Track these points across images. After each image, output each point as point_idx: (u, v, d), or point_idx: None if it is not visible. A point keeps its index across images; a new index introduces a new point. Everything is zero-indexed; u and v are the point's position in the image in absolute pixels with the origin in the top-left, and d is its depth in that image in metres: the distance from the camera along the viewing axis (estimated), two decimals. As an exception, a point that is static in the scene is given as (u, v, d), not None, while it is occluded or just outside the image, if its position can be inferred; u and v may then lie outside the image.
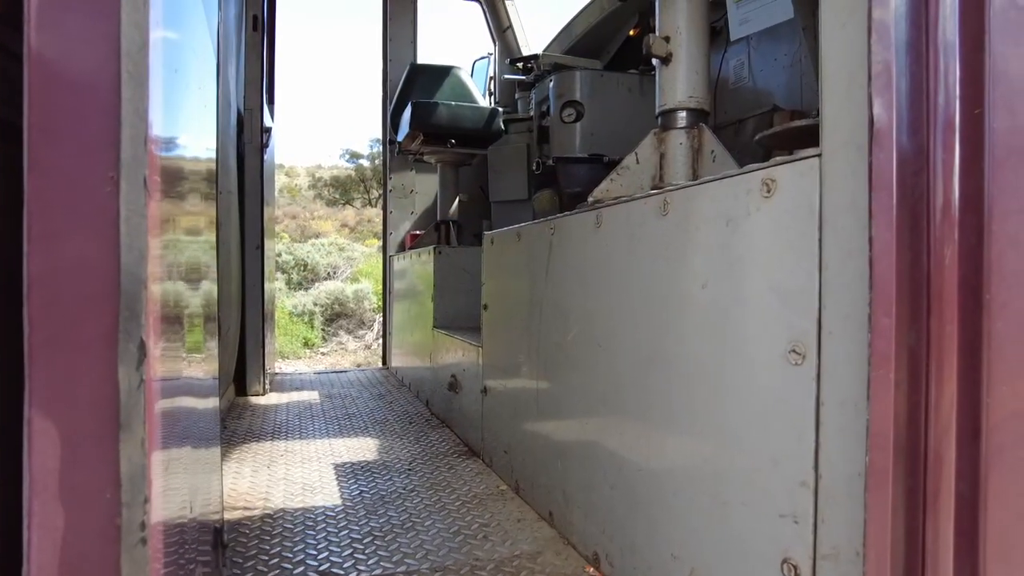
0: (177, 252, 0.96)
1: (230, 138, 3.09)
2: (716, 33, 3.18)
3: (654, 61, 1.61)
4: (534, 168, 3.16)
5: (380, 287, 5.35)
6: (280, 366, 6.80)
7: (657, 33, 1.61)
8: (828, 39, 0.94)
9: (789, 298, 0.94)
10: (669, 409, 1.19)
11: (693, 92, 1.57)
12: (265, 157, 3.70)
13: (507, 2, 4.71)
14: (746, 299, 1.01)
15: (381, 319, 5.33)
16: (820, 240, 0.90)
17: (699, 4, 1.61)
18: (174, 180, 0.93)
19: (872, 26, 0.88)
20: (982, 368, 0.89)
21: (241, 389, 3.64)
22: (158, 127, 0.76)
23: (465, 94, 4.34)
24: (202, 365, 1.28)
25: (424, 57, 4.83)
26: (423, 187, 4.67)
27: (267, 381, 3.76)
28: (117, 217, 0.63)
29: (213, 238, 1.60)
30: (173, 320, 0.90)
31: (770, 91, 3.02)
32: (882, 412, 0.83)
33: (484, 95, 4.66)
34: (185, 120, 1.08)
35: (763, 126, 2.95)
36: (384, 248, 4.71)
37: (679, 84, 1.56)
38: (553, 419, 1.62)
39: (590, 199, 1.55)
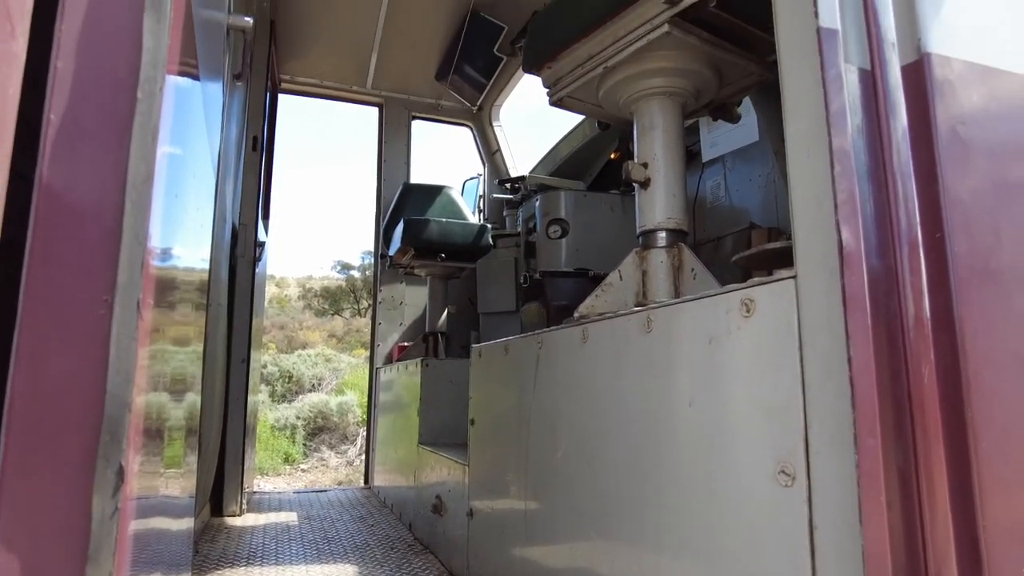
0: (164, 364, 0.96)
1: (223, 252, 3.15)
2: (692, 156, 3.38)
3: (634, 184, 1.70)
4: (522, 281, 3.23)
5: (365, 399, 5.27)
6: (259, 483, 6.53)
7: (636, 160, 1.71)
8: (795, 167, 1.00)
9: (775, 417, 0.94)
10: (660, 532, 1.15)
11: (672, 213, 1.64)
12: (257, 270, 3.76)
13: (495, 127, 5.01)
14: (733, 418, 1.02)
15: (365, 433, 5.20)
16: (801, 359, 0.91)
17: (674, 132, 1.72)
18: (167, 297, 0.95)
19: (833, 156, 0.95)
20: (973, 487, 0.89)
21: (217, 508, 3.47)
22: (155, 250, 0.79)
23: (456, 211, 4.51)
24: (179, 482, 1.24)
25: (418, 174, 5.05)
26: (412, 299, 4.72)
27: (244, 500, 3.60)
28: (107, 339, 0.64)
29: (201, 349, 1.60)
30: (155, 436, 0.88)
31: (746, 209, 3.17)
32: (876, 535, 0.81)
33: (474, 212, 4.84)
34: (182, 240, 1.12)
35: (741, 243, 3.06)
36: (371, 360, 4.69)
37: (658, 206, 1.64)
38: (542, 544, 1.55)
39: (576, 314, 1.57)
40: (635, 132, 1.76)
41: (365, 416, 6.34)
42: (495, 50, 4.24)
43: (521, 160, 5.00)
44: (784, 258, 1.57)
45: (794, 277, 0.97)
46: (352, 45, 4.45)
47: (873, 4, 1.00)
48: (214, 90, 1.59)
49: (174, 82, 0.85)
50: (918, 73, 1.03)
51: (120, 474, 0.61)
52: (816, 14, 0.94)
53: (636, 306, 1.55)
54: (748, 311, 1.03)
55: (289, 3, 4.02)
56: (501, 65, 4.40)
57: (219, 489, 3.46)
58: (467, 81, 4.58)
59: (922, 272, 0.95)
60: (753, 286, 1.03)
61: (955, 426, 0.85)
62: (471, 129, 5.10)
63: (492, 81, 4.51)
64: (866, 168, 0.96)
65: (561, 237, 3.29)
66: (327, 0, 4.10)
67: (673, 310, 1.19)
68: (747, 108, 2.66)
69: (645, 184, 1.67)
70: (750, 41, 1.67)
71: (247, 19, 1.69)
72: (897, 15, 1.02)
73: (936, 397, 0.86)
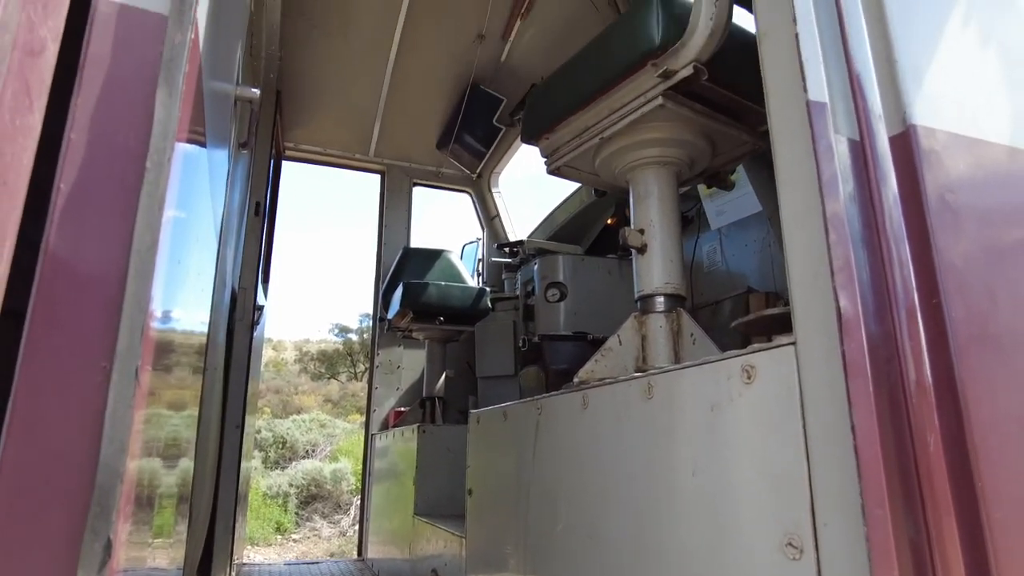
0: (159, 429, 0.94)
1: (222, 316, 3.15)
2: (688, 221, 3.44)
3: (631, 250, 1.72)
4: (520, 345, 3.22)
5: (360, 467, 5.15)
6: (249, 554, 6.29)
7: (632, 226, 1.74)
8: (790, 236, 1.02)
9: (780, 486, 0.92)
10: (666, 609, 1.10)
11: (669, 279, 1.66)
12: (255, 334, 3.74)
13: (494, 193, 5.11)
14: (737, 488, 0.99)
15: (359, 502, 5.06)
16: (804, 427, 0.90)
17: (669, 199, 1.75)
18: (165, 363, 0.94)
19: (828, 224, 0.97)
20: (989, 561, 0.86)
21: (203, 582, 3.33)
22: (156, 317, 0.79)
23: (455, 275, 4.54)
24: (168, 552, 1.19)
25: (418, 237, 5.12)
26: (410, 362, 4.69)
27: (234, 573, 3.46)
28: (103, 408, 0.63)
29: (196, 413, 1.57)
30: (145, 505, 0.85)
31: (743, 274, 3.19)
32: (892, 614, 0.78)
33: (473, 276, 4.88)
34: (182, 305, 1.12)
35: (739, 307, 3.07)
36: (367, 426, 4.61)
37: (655, 272, 1.66)
38: (542, 620, 1.49)
39: (576, 380, 1.56)
40: (631, 199, 1.80)
41: (359, 484, 6.19)
42: (494, 121, 4.37)
43: (520, 223, 5.08)
44: (783, 324, 1.57)
45: (794, 343, 0.97)
46: (356, 115, 4.59)
47: (859, 79, 1.04)
48: (220, 157, 1.63)
49: (182, 151, 0.87)
50: (905, 143, 1.06)
51: (108, 548, 0.59)
52: (805, 88, 0.97)
53: (636, 371, 1.54)
54: (749, 378, 1.03)
55: (295, 74, 4.17)
56: (500, 135, 4.53)
57: (208, 560, 3.34)
58: (467, 150, 4.70)
59: (921, 338, 0.95)
60: (753, 352, 1.03)
61: (966, 497, 0.84)
62: (471, 195, 5.21)
63: (491, 150, 4.63)
64: (860, 235, 0.97)
65: (559, 300, 3.30)
66: (332, 72, 4.26)
67: (674, 376, 1.18)
68: (743, 179, 2.72)
69: (642, 250, 1.69)
70: (742, 112, 1.73)
71: (254, 90, 1.75)
72: (882, 89, 1.06)
73: (944, 467, 0.84)
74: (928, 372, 0.94)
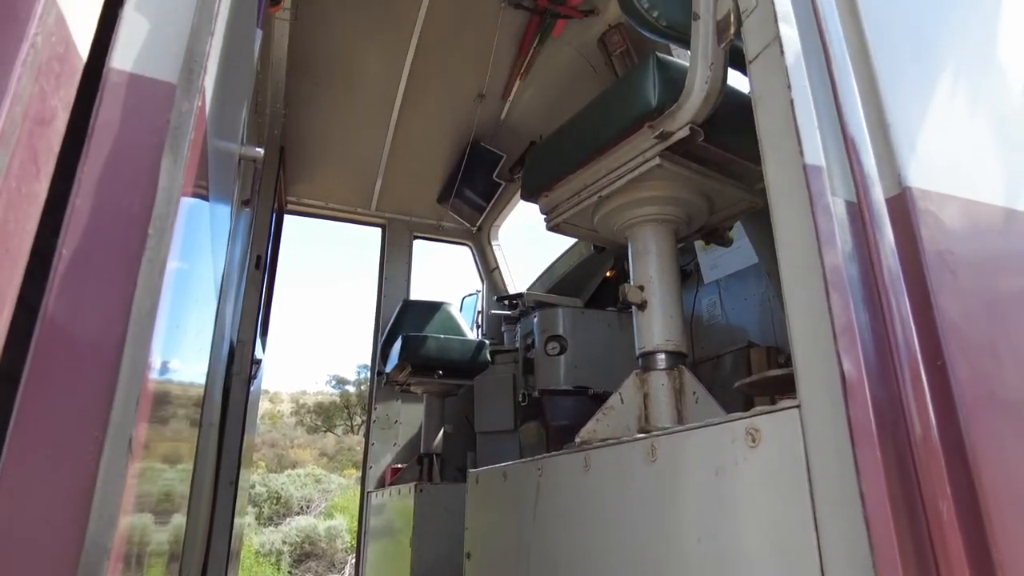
0: (152, 484, 0.92)
1: (219, 370, 3.13)
2: (687, 275, 3.46)
3: (631, 306, 1.72)
4: (520, 399, 3.18)
5: (355, 524, 5.01)
6: (237, 618, 6.06)
7: (632, 282, 1.74)
8: (791, 298, 1.02)
9: (788, 556, 0.89)
10: None
11: (670, 336, 1.65)
12: (252, 388, 3.71)
13: (494, 246, 5.15)
14: (744, 556, 0.96)
15: (354, 562, 4.90)
16: (811, 493, 0.88)
17: (668, 256, 1.76)
18: (161, 420, 0.93)
19: (828, 286, 0.96)
20: (1009, 636, 0.82)
21: (190, 649, 3.20)
22: (152, 382, 0.78)
23: (454, 327, 4.53)
24: (154, 619, 1.15)
25: (417, 287, 5.13)
26: (408, 417, 4.63)
27: (220, 639, 3.32)
28: (93, 483, 0.61)
29: (191, 468, 1.53)
30: (134, 565, 0.82)
31: (743, 327, 3.19)
32: None
33: (472, 328, 4.86)
34: (179, 367, 1.11)
35: (740, 362, 3.05)
36: (363, 482, 4.51)
37: (656, 328, 1.65)
38: None
39: (577, 439, 1.54)
40: (630, 256, 1.81)
41: (354, 543, 6.01)
42: (494, 176, 4.45)
43: (519, 274, 5.10)
44: (786, 384, 1.55)
45: (798, 406, 0.95)
46: (358, 170, 4.67)
47: (854, 142, 1.06)
48: (223, 214, 1.64)
49: (185, 214, 0.88)
50: (902, 205, 1.07)
51: (91, 631, 0.57)
52: (802, 153, 0.99)
53: (639, 431, 1.51)
54: (754, 441, 1.01)
55: (299, 130, 4.26)
56: (500, 189, 4.60)
57: (195, 625, 3.21)
58: (467, 204, 4.77)
59: (927, 401, 0.94)
60: (758, 415, 1.02)
61: (984, 571, 0.81)
62: (471, 248, 5.24)
63: (491, 204, 4.69)
64: (861, 296, 0.97)
65: (559, 354, 3.28)
66: (336, 128, 4.35)
67: (678, 438, 1.16)
68: (740, 231, 2.75)
69: (642, 306, 1.69)
70: (738, 171, 1.76)
71: (258, 150, 1.78)
72: (877, 152, 1.08)
73: (959, 537, 0.82)
74: (936, 436, 0.92)
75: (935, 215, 1.08)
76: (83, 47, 0.78)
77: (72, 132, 0.77)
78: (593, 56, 3.74)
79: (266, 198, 3.77)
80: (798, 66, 1.05)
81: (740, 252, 3.13)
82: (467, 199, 4.75)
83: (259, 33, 1.85)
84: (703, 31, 1.49)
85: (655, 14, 1.56)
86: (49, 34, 0.71)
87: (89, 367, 0.70)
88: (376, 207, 4.97)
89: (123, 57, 0.81)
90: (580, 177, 1.83)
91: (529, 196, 2.01)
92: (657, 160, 1.60)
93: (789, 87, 1.03)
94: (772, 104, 1.07)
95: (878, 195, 1.06)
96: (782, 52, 1.05)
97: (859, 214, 1.05)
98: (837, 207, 1.03)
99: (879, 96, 1.11)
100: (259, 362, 3.95)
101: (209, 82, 0.89)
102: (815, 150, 1.01)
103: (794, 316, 0.99)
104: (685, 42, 1.56)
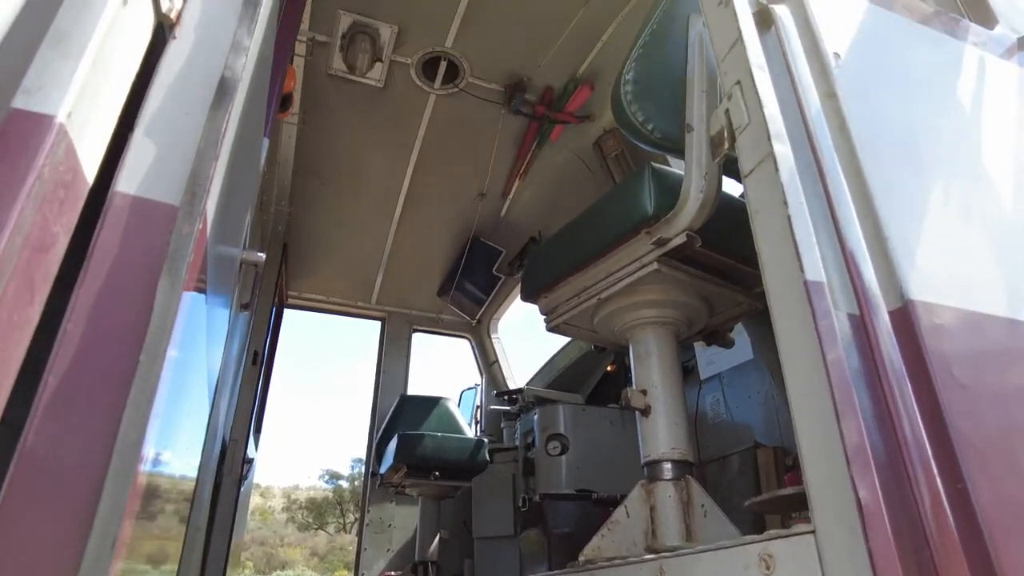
0: None
1: (210, 471, 3.02)
2: (688, 371, 3.41)
3: (634, 411, 1.68)
4: (520, 504, 3.06)
5: (346, 637, 4.69)
6: None
7: (634, 386, 1.71)
8: (800, 418, 0.98)
9: None
10: None
11: (675, 443, 1.60)
12: (242, 488, 3.57)
13: (493, 339, 5.13)
14: None
15: None
16: (836, 634, 0.82)
17: (670, 359, 1.74)
18: (146, 524, 0.87)
19: (837, 406, 0.93)
20: None
21: None
22: (133, 513, 0.74)
23: (452, 425, 4.43)
24: None
25: (415, 377, 5.06)
26: (402, 521, 4.44)
27: None
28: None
29: (175, 569, 1.44)
30: None
31: (749, 425, 3.11)
32: None
33: (471, 423, 4.76)
34: (168, 467, 1.06)
35: (747, 462, 2.96)
36: (355, 590, 4.27)
37: (661, 436, 1.61)
38: None
39: (581, 558, 1.45)
40: (631, 358, 1.79)
41: (343, 656, 5.61)
42: (494, 270, 4.49)
43: (518, 365, 5.05)
44: (798, 503, 1.49)
45: (813, 532, 0.90)
46: (359, 265, 4.72)
47: (853, 256, 1.06)
48: (220, 317, 1.63)
49: (180, 331, 0.86)
50: (905, 318, 1.06)
51: None
52: (802, 269, 0.99)
53: (646, 549, 1.44)
54: (768, 568, 0.95)
55: (302, 227, 4.34)
56: (499, 284, 4.63)
57: None
58: (467, 297, 4.79)
59: (951, 527, 0.89)
60: (772, 539, 0.96)
61: None
62: (470, 341, 5.22)
63: (491, 298, 4.72)
64: (872, 417, 0.94)
65: (561, 454, 3.18)
66: (339, 225, 4.44)
67: (689, 561, 1.09)
68: (739, 327, 2.74)
69: (646, 412, 1.65)
70: (736, 275, 1.77)
71: (260, 255, 1.79)
72: (876, 265, 1.08)
73: None
74: (965, 565, 0.87)
75: (940, 328, 1.07)
76: (90, 172, 0.79)
77: (72, 251, 0.77)
78: (589, 158, 3.87)
79: (267, 294, 3.79)
80: (793, 182, 1.07)
81: (738, 346, 3.10)
82: (467, 292, 4.78)
83: (266, 142, 1.92)
84: (696, 142, 1.54)
85: (649, 127, 1.62)
86: (57, 164, 0.72)
87: (66, 500, 0.67)
88: (376, 301, 4.99)
89: (128, 180, 0.82)
90: (579, 279, 1.83)
91: (529, 297, 2.01)
92: (655, 265, 1.61)
93: (785, 203, 1.04)
94: (769, 219, 1.08)
95: (881, 309, 1.05)
96: (776, 169, 1.07)
97: (863, 328, 1.03)
98: (840, 322, 1.02)
99: (874, 210, 1.13)
100: (251, 461, 3.83)
101: (211, 204, 0.90)
102: (815, 266, 1.01)
103: (804, 438, 0.96)
104: (679, 152, 1.61)
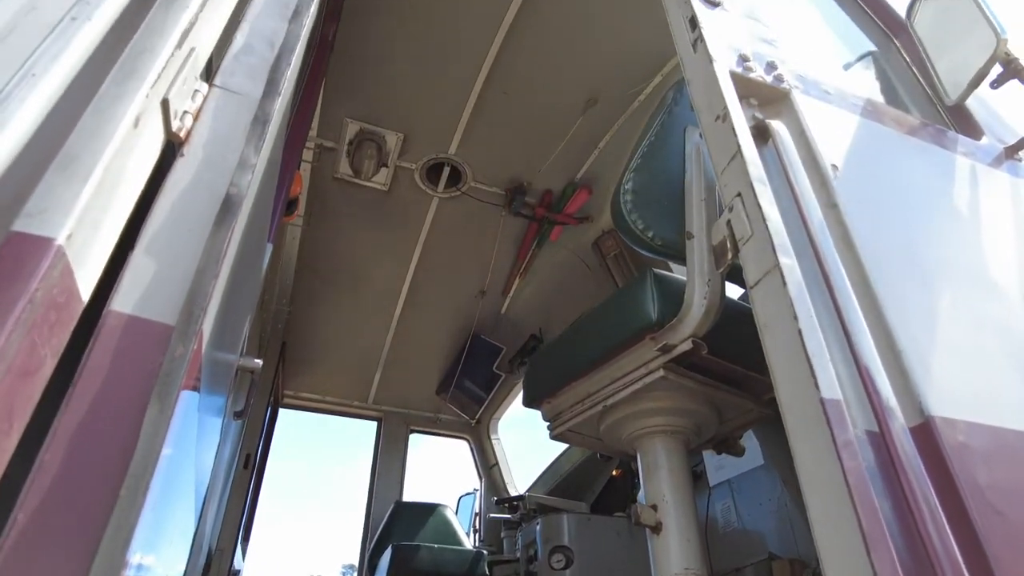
0: None
1: (191, 587, 2.83)
2: (697, 476, 3.28)
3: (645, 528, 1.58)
4: (522, 626, 2.85)
5: None
6: None
7: (644, 500, 1.62)
8: (823, 542, 0.91)
9: None
10: None
11: (689, 563, 1.50)
12: (225, 605, 3.35)
13: (493, 440, 4.98)
14: None
15: None
16: None
17: (680, 471, 1.67)
18: None
19: (864, 529, 0.87)
20: None
21: None
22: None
23: (449, 534, 4.22)
24: None
25: (413, 479, 4.86)
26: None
27: None
28: None
29: None
30: None
31: (761, 534, 2.96)
32: None
33: (469, 532, 4.53)
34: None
35: (763, 575, 2.79)
36: None
37: (673, 555, 1.51)
38: None
39: None
40: (640, 470, 1.71)
41: None
42: (494, 368, 4.44)
43: (518, 464, 4.87)
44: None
45: None
46: (358, 364, 4.66)
47: (868, 371, 1.03)
48: (212, 425, 1.57)
49: (167, 454, 0.82)
50: (927, 435, 1.01)
51: None
52: (817, 386, 0.95)
53: None
54: None
55: (302, 325, 4.32)
56: (499, 382, 4.56)
57: None
58: (467, 395, 4.70)
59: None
60: None
61: None
62: (469, 442, 5.07)
63: (491, 396, 4.63)
64: (904, 548, 0.87)
65: (565, 568, 3.00)
66: (339, 324, 4.42)
67: None
68: (748, 433, 2.66)
69: (656, 529, 1.56)
70: (745, 381, 1.72)
71: (256, 362, 1.76)
72: (893, 381, 1.05)
73: None
74: None
75: (966, 447, 1.01)
76: (86, 291, 0.77)
77: (61, 367, 0.74)
78: (589, 257, 3.91)
79: (262, 396, 3.71)
80: (801, 295, 1.05)
81: (747, 452, 3.00)
82: (466, 390, 4.69)
83: (269, 248, 1.93)
84: (697, 249, 1.54)
85: (650, 234, 1.63)
86: (51, 286, 0.70)
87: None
88: (373, 400, 4.89)
89: (124, 299, 0.80)
90: (583, 385, 1.79)
91: (531, 402, 1.96)
92: (662, 372, 1.57)
93: (795, 317, 1.02)
94: (779, 333, 1.05)
95: (901, 426, 1.01)
96: (784, 281, 1.06)
97: (884, 447, 0.98)
98: (860, 439, 0.97)
99: (885, 321, 1.10)
100: (237, 573, 3.62)
101: (208, 324, 0.88)
102: (831, 383, 0.97)
103: (828, 565, 0.88)
104: (680, 259, 1.61)
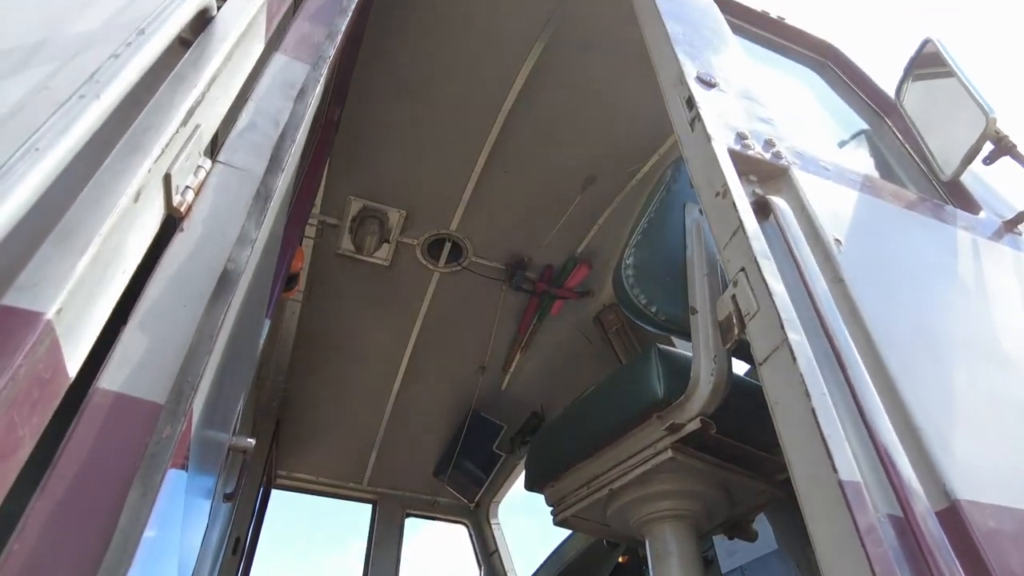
0: None
1: None
2: (708, 563, 3.13)
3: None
4: None
5: None
6: None
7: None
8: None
9: None
10: None
11: (705, 662, 1.39)
12: None
13: (494, 525, 4.78)
14: None
15: None
16: None
17: (692, 558, 1.59)
18: None
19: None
20: None
21: None
22: None
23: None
24: None
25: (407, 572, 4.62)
26: None
27: None
28: None
29: None
30: None
31: (778, 627, 2.78)
32: None
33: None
34: None
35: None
36: None
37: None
38: None
39: None
40: (649, 558, 1.63)
41: None
42: (494, 447, 4.31)
43: (519, 553, 4.64)
44: None
45: None
46: (353, 443, 4.54)
47: (888, 452, 0.98)
48: (200, 508, 1.50)
49: (149, 541, 0.76)
50: (956, 521, 0.96)
51: None
52: (835, 468, 0.91)
53: None
54: None
55: (297, 401, 4.23)
56: (500, 462, 4.42)
57: None
58: (466, 476, 4.55)
59: None
60: None
61: None
62: (467, 527, 4.87)
63: (491, 477, 4.48)
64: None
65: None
66: (334, 400, 4.33)
67: None
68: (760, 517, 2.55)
69: (669, 623, 1.46)
70: (756, 462, 1.66)
71: (249, 441, 1.70)
72: (914, 462, 1.00)
73: None
74: None
75: (996, 532, 0.96)
76: (73, 367, 0.74)
77: (41, 447, 0.70)
78: (590, 332, 3.88)
79: (254, 477, 3.59)
80: (812, 372, 1.02)
81: (759, 536, 2.87)
82: (466, 471, 4.54)
83: (267, 324, 1.90)
84: (702, 325, 1.52)
85: (653, 309, 1.61)
86: (36, 362, 0.67)
87: None
88: (368, 481, 4.72)
89: (113, 375, 0.77)
90: (588, 467, 1.72)
91: (534, 486, 1.88)
92: (669, 453, 1.52)
93: (808, 395, 0.98)
94: (792, 412, 1.01)
95: (926, 509, 0.95)
96: (794, 358, 1.03)
97: (911, 533, 0.92)
98: (884, 526, 0.91)
99: (901, 399, 1.07)
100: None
101: (199, 402, 0.84)
102: (849, 465, 0.93)
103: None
104: (684, 334, 1.59)
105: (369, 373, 4.17)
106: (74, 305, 0.71)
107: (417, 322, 3.91)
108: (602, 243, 3.58)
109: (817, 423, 0.95)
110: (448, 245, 3.58)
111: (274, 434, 3.97)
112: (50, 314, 0.67)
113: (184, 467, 0.90)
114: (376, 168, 3.23)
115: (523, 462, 1.98)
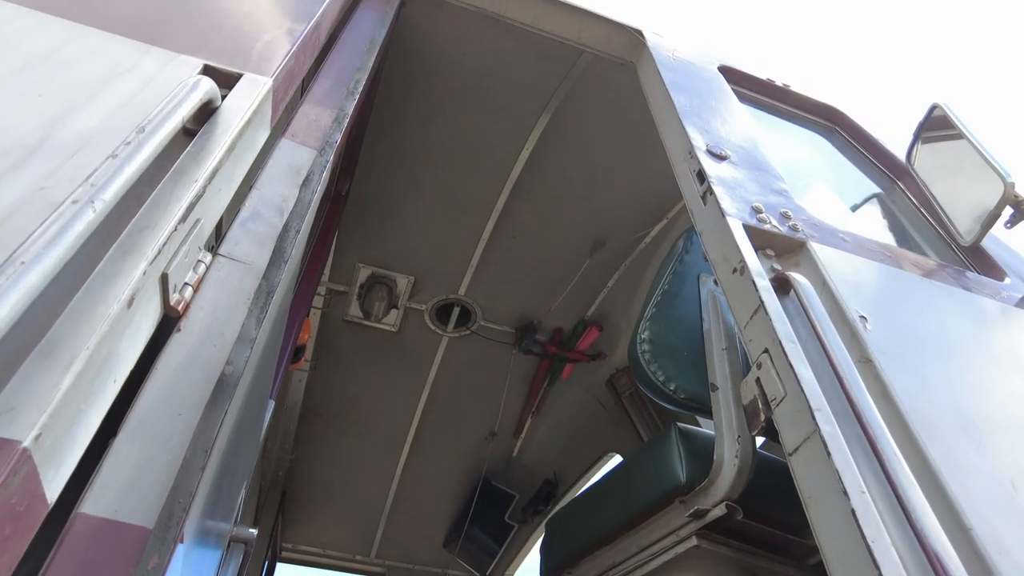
0: None
1: None
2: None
3: None
4: None
5: None
6: None
7: None
8: None
9: None
10: None
11: None
12: None
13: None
14: None
15: None
16: None
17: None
18: None
19: None
20: None
21: None
22: None
23: None
24: None
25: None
26: None
27: None
28: None
29: None
30: None
31: None
32: None
33: None
34: None
35: None
36: None
37: None
38: None
39: None
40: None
41: None
42: (506, 517, 4.16)
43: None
44: None
45: None
46: (360, 514, 4.40)
47: (938, 557, 0.90)
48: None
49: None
50: None
51: None
52: (863, 537, 0.83)
53: None
54: None
55: (303, 472, 4.12)
56: (512, 533, 4.26)
57: None
58: (477, 547, 4.37)
59: None
60: None
61: None
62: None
63: (503, 549, 4.30)
64: None
65: None
66: (342, 470, 4.21)
67: None
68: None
69: None
70: (786, 547, 1.56)
71: (251, 531, 1.61)
72: (967, 564, 0.91)
73: None
74: None
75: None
76: (52, 493, 0.68)
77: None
78: (603, 396, 3.79)
79: (258, 554, 3.46)
80: (848, 467, 0.95)
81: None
82: (477, 542, 4.36)
83: (271, 404, 1.84)
84: (724, 403, 1.45)
85: (672, 386, 1.55)
86: (10, 495, 0.62)
87: None
88: (376, 554, 4.55)
89: (96, 500, 0.71)
90: (608, 554, 1.62)
91: (551, 574, 1.77)
92: (694, 540, 1.43)
93: (845, 493, 0.91)
94: (829, 511, 0.94)
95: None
96: (828, 451, 0.96)
97: None
98: None
99: (947, 493, 0.99)
100: None
101: (192, 524, 0.78)
102: (896, 571, 0.85)
103: None
104: (706, 412, 1.52)
105: (377, 441, 4.07)
106: (56, 427, 0.66)
107: (425, 388, 3.83)
108: (613, 306, 3.53)
109: (858, 526, 0.87)
110: (457, 310, 3.54)
111: (280, 506, 3.85)
112: (27, 442, 0.62)
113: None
114: (384, 235, 3.22)
115: (537, 532, 1.87)
